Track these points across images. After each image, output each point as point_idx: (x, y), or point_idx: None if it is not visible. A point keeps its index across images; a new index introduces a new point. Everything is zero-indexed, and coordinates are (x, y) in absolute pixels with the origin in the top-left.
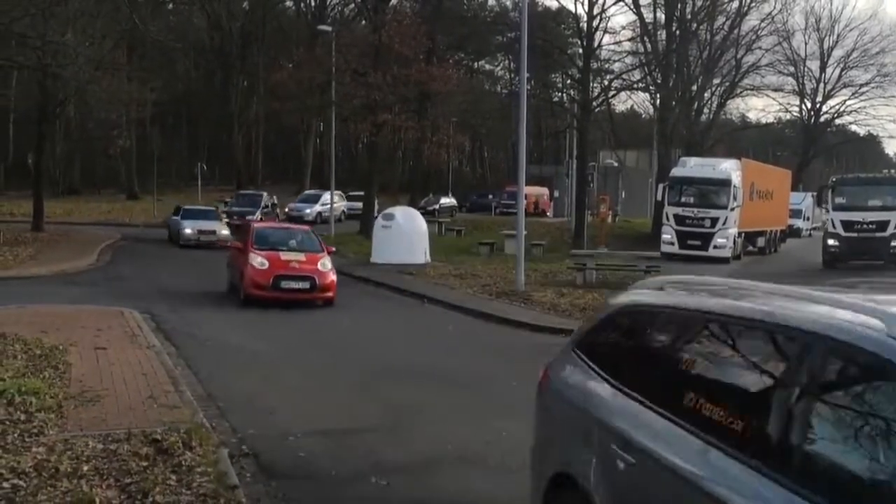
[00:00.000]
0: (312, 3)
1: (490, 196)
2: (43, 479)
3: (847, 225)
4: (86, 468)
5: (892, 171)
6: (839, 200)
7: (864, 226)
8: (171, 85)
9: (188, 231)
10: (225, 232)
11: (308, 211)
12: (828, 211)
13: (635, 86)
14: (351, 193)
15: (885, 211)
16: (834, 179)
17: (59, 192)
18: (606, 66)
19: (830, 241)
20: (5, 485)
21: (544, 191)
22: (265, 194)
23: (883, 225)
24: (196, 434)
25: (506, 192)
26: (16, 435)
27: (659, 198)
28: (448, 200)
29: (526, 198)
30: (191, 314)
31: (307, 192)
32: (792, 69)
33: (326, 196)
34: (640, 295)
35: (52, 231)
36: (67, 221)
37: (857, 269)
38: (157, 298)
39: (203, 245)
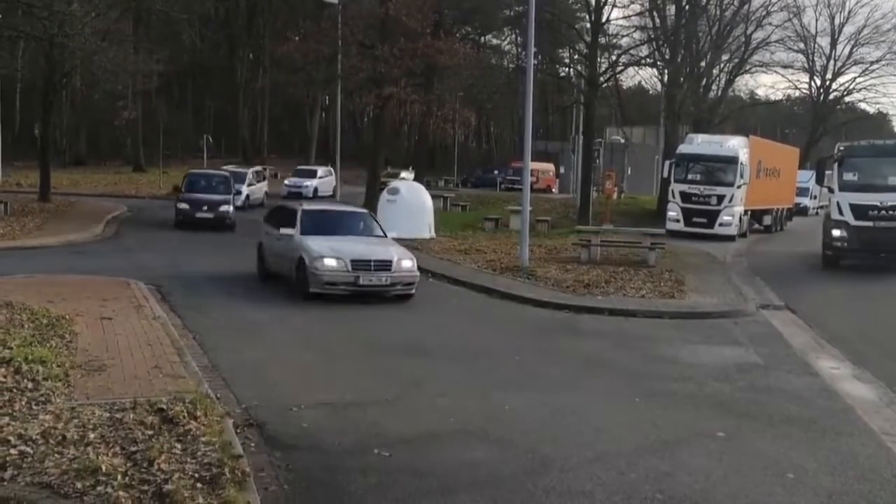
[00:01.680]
0: None
1: (496, 171)
2: (50, 445)
3: (859, 211)
4: (92, 436)
5: None
6: (848, 177)
7: (883, 212)
8: (177, 57)
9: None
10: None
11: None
12: (831, 191)
13: (643, 61)
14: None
15: None
16: (841, 148)
17: (65, 162)
18: (614, 41)
19: (836, 233)
20: (13, 451)
21: (549, 167)
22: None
23: None
24: (201, 404)
25: (511, 167)
26: (23, 403)
27: (665, 175)
28: (407, 175)
29: (533, 173)
30: (197, 285)
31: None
32: (802, 46)
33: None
34: None
35: (58, 202)
36: (74, 192)
37: (867, 270)
38: (163, 269)
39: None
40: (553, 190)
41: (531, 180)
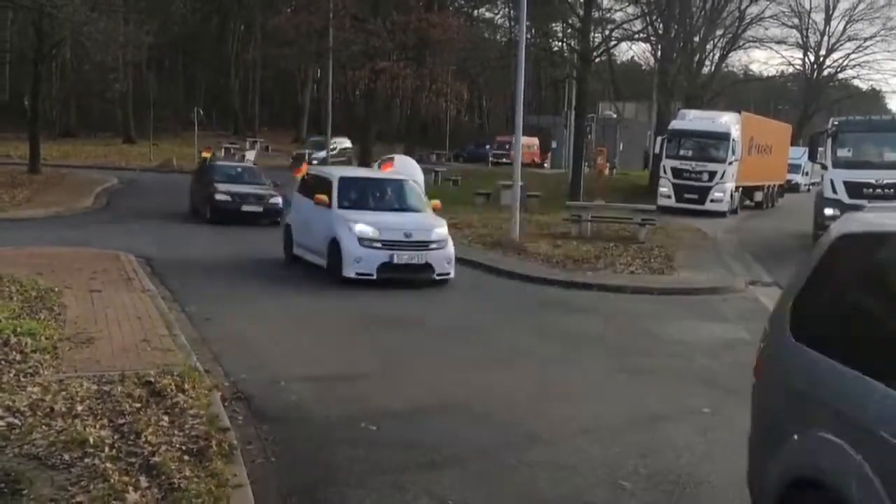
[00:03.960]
0: None
1: (487, 146)
2: (38, 417)
3: (853, 188)
4: (80, 408)
5: None
6: (842, 153)
7: (879, 190)
8: (168, 28)
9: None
10: None
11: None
12: (825, 167)
13: (636, 36)
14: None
15: None
16: (835, 123)
17: (55, 134)
18: (608, 15)
19: (828, 211)
20: (1, 423)
21: (534, 141)
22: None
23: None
24: (189, 377)
25: (496, 141)
26: (11, 375)
27: (657, 150)
28: (341, 142)
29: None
30: (185, 258)
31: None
32: (796, 21)
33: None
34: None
35: (48, 173)
36: (64, 164)
37: None
38: (152, 242)
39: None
40: (545, 164)
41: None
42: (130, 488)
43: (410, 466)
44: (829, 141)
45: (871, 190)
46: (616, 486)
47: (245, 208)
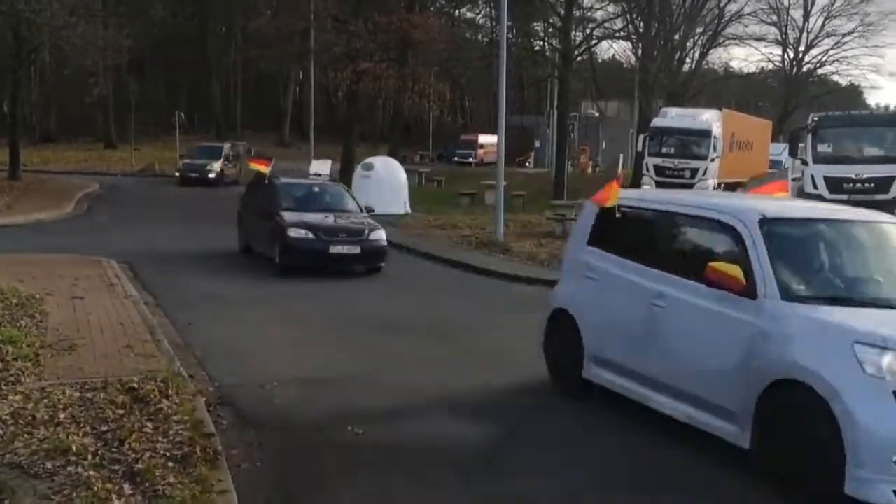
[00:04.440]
0: None
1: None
2: (20, 426)
3: (833, 183)
4: (62, 416)
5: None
6: (822, 148)
7: (858, 185)
8: (148, 31)
9: None
10: None
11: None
12: (805, 163)
13: (617, 34)
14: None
15: (888, 163)
16: (815, 119)
17: (35, 139)
18: (588, 14)
19: None
20: None
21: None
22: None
23: (884, 183)
24: (173, 383)
25: (460, 141)
26: None
27: (639, 148)
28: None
29: (482, 147)
30: (169, 263)
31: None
32: (775, 18)
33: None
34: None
35: (28, 179)
36: (44, 170)
37: None
38: (135, 247)
39: None
40: (528, 163)
41: (479, 153)
42: (114, 496)
43: (396, 469)
44: (810, 136)
45: (851, 185)
46: None
47: (334, 250)
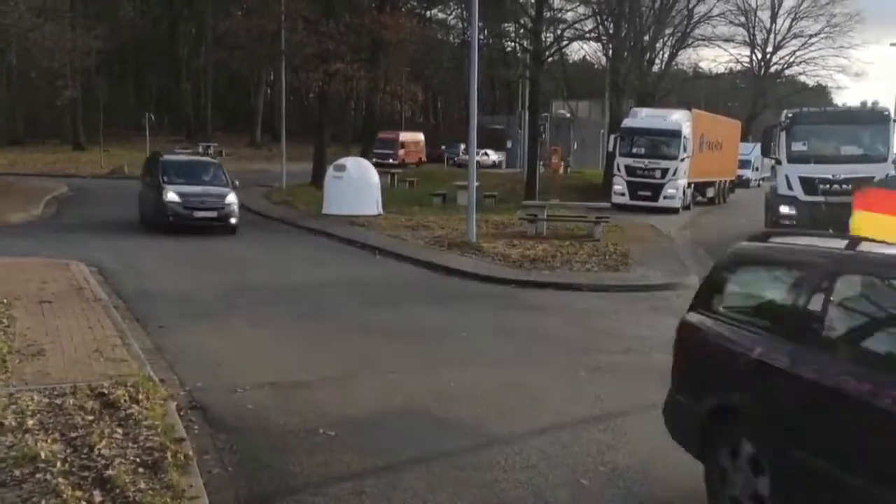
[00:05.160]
0: None
1: (443, 147)
2: None
3: (809, 184)
4: (30, 422)
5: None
6: (797, 147)
7: (836, 186)
8: (117, 32)
9: None
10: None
11: None
12: (779, 162)
13: (587, 35)
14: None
15: (866, 162)
16: (789, 115)
17: (1, 142)
18: (559, 15)
19: (783, 209)
20: None
21: (419, 137)
22: None
23: (863, 185)
24: (143, 387)
25: (380, 139)
26: None
27: (610, 149)
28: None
29: (404, 146)
30: (138, 265)
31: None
32: (743, 19)
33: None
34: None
35: None
36: (11, 172)
37: None
38: (103, 249)
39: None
40: (495, 162)
41: (400, 153)
42: (84, 503)
43: (369, 472)
44: (783, 134)
45: (827, 186)
46: (576, 484)
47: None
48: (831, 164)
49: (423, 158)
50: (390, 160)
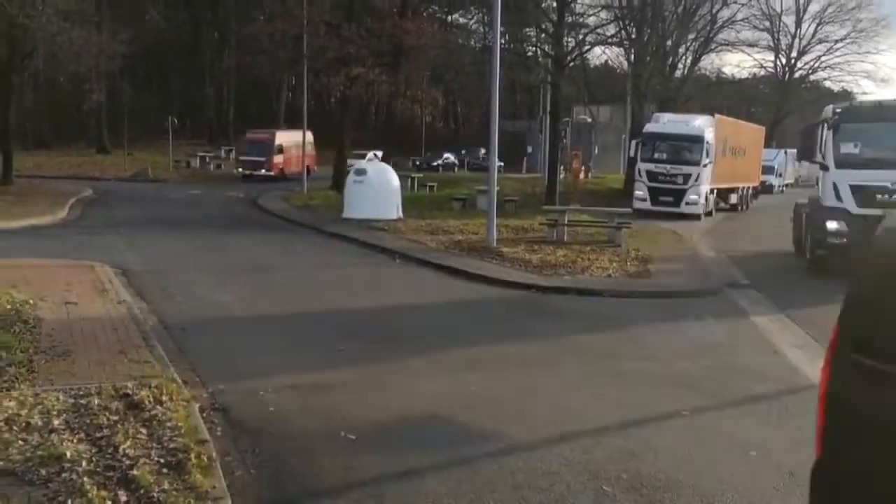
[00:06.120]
0: None
1: (463, 151)
2: (14, 432)
3: (863, 194)
4: (56, 422)
5: None
6: (846, 149)
7: None
8: (141, 36)
9: None
10: None
11: None
12: (825, 168)
13: (609, 40)
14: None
15: None
16: (838, 111)
17: (28, 145)
18: (581, 20)
19: (832, 225)
20: None
21: (303, 137)
22: None
23: None
24: (167, 389)
25: (249, 141)
26: None
27: (632, 154)
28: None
29: (283, 150)
30: (163, 268)
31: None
32: (767, 24)
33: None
34: None
35: (21, 184)
36: (37, 175)
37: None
38: (128, 252)
39: None
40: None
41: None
42: (109, 503)
43: (391, 476)
44: (830, 134)
45: (886, 196)
46: (599, 491)
47: None
48: (891, 168)
49: (313, 167)
50: (262, 171)
